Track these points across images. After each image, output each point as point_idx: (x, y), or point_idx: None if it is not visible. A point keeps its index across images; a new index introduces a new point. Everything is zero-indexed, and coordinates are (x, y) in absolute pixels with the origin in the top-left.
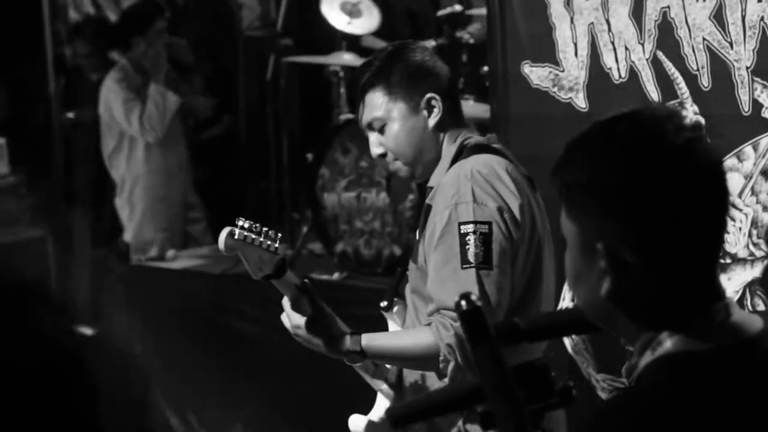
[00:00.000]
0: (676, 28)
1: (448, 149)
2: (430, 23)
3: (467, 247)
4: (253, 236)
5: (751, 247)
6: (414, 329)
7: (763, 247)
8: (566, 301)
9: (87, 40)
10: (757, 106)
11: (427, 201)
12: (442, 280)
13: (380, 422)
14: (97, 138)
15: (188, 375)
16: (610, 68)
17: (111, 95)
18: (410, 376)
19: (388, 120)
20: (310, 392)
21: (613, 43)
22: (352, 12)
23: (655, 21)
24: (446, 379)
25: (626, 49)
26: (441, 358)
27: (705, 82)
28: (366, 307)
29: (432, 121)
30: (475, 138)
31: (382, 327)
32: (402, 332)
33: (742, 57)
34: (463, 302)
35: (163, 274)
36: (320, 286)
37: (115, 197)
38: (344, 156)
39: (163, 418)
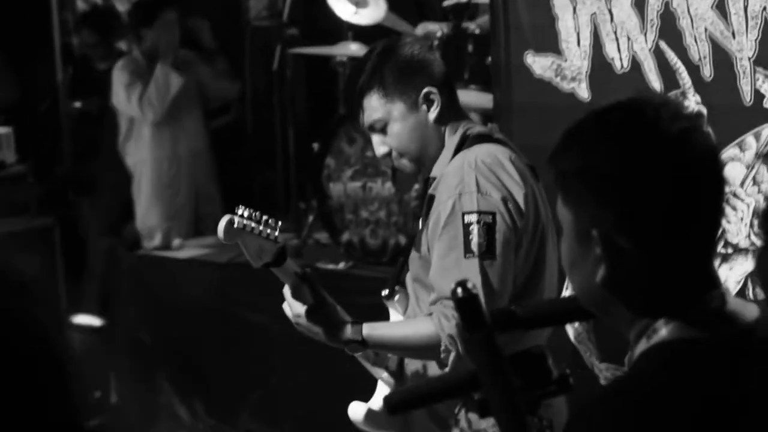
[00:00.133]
0: (679, 19)
1: (450, 140)
2: (437, 13)
3: (470, 237)
4: (253, 225)
5: (753, 237)
6: (415, 319)
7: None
8: (569, 290)
9: (94, 30)
10: (758, 96)
11: (430, 191)
12: (444, 269)
13: (380, 410)
14: (104, 127)
15: (194, 363)
16: (612, 58)
17: (115, 80)
18: (411, 364)
19: (388, 120)
20: (314, 380)
21: (615, 33)
22: (359, 2)
23: (658, 11)
24: (447, 369)
25: (628, 39)
26: (442, 348)
27: (707, 72)
28: (372, 296)
29: (432, 115)
30: (477, 128)
31: (387, 316)
32: (403, 322)
33: (744, 47)
34: (459, 289)
35: (169, 263)
36: (326, 276)
37: (132, 185)
38: (350, 146)
39: (170, 406)
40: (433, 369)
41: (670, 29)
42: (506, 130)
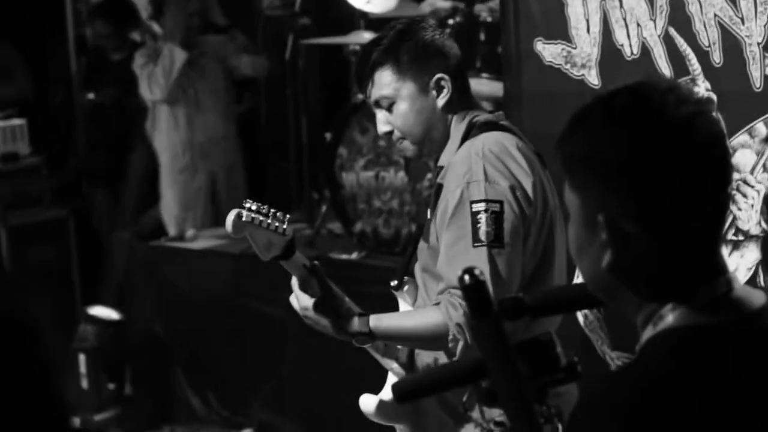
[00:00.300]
0: (688, 4)
1: (457, 128)
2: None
3: (478, 225)
4: (261, 218)
5: (764, 224)
6: (423, 309)
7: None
8: (579, 278)
9: (107, 21)
10: None
11: (438, 180)
12: (452, 258)
13: (390, 402)
14: (117, 118)
15: (207, 355)
16: (622, 45)
17: (134, 66)
18: (422, 355)
19: (396, 99)
20: (326, 372)
21: (625, 20)
22: None
23: None
24: (456, 359)
25: (638, 25)
26: (450, 337)
27: (716, 58)
28: (385, 286)
29: (441, 102)
30: (484, 115)
31: (398, 306)
32: (410, 312)
33: (753, 33)
34: (467, 276)
35: (183, 254)
36: (339, 266)
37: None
38: (362, 135)
39: (183, 397)
40: (444, 360)
41: (679, 15)
42: (516, 118)
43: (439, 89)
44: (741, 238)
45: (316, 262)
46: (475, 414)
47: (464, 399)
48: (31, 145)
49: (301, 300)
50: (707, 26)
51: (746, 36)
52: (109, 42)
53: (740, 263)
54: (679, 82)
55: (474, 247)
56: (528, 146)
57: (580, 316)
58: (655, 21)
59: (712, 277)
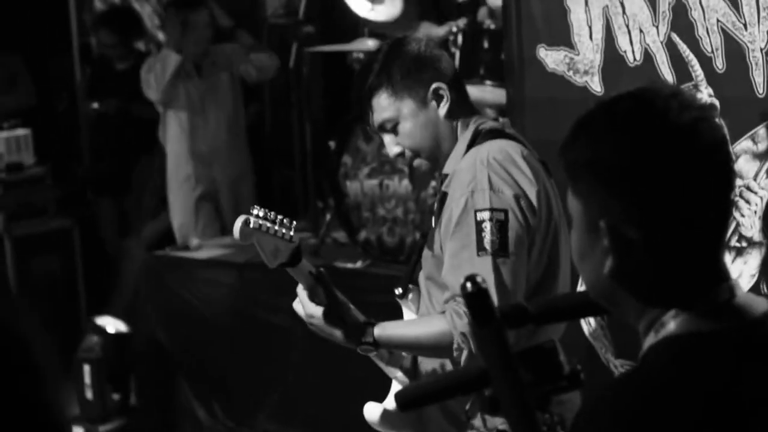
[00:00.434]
0: (690, 10)
1: (462, 135)
2: (452, 8)
3: (483, 234)
4: (268, 225)
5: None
6: (427, 317)
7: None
8: (582, 287)
9: (112, 30)
10: None
11: (443, 188)
12: (457, 267)
13: (394, 410)
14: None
15: (213, 365)
16: (624, 51)
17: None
18: (426, 363)
19: (399, 119)
20: (331, 381)
21: (627, 26)
22: None
23: (669, 3)
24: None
25: (641, 31)
26: (455, 346)
27: (719, 64)
28: (389, 294)
29: (442, 111)
30: (489, 123)
31: (402, 314)
32: (415, 321)
33: (756, 38)
34: (469, 284)
35: (187, 263)
36: (343, 274)
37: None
38: (366, 143)
39: (189, 407)
40: (450, 367)
41: (681, 21)
42: (519, 125)
43: (438, 98)
44: (744, 244)
45: (321, 269)
46: (477, 422)
47: (467, 407)
48: (35, 155)
49: (306, 307)
50: (710, 32)
51: (749, 42)
52: (113, 51)
53: (744, 270)
54: (681, 87)
55: (478, 256)
56: (533, 154)
57: (584, 324)
58: (657, 27)
59: (714, 283)
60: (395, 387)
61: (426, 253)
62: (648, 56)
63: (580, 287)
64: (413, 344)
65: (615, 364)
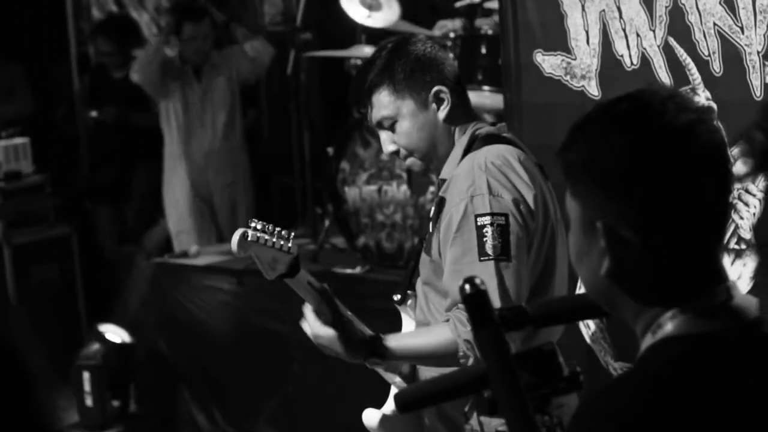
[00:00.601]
0: (687, 14)
1: (459, 140)
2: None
3: (485, 239)
4: (266, 237)
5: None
6: (431, 327)
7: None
8: (581, 290)
9: (110, 38)
10: None
11: (441, 193)
12: (458, 273)
13: (393, 416)
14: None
15: (212, 371)
16: (621, 55)
17: None
18: (425, 370)
19: (397, 117)
20: (331, 387)
21: (624, 30)
22: (372, 5)
23: (666, 7)
24: None
25: (638, 35)
26: (460, 354)
27: (716, 67)
28: (388, 300)
29: (442, 114)
30: (486, 128)
31: (401, 320)
32: (419, 331)
33: (753, 42)
34: (467, 286)
35: (185, 270)
36: (343, 280)
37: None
38: (365, 149)
39: (188, 414)
40: None
41: (678, 25)
42: (516, 129)
43: (439, 101)
44: (743, 246)
45: (326, 285)
46: (474, 424)
47: (466, 409)
48: (34, 164)
49: (313, 327)
50: (707, 35)
51: (746, 45)
52: (111, 60)
53: (743, 272)
54: (679, 90)
55: (480, 261)
56: (530, 158)
57: (583, 327)
58: (654, 31)
59: (712, 284)
60: (394, 392)
61: (424, 258)
62: (645, 60)
63: (579, 290)
64: (419, 355)
65: (615, 367)
